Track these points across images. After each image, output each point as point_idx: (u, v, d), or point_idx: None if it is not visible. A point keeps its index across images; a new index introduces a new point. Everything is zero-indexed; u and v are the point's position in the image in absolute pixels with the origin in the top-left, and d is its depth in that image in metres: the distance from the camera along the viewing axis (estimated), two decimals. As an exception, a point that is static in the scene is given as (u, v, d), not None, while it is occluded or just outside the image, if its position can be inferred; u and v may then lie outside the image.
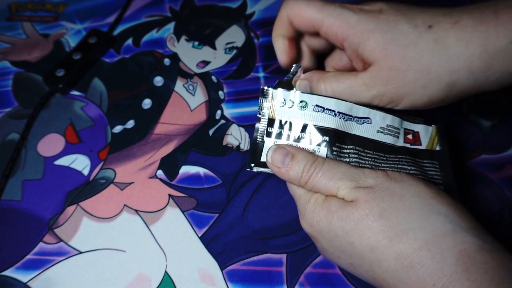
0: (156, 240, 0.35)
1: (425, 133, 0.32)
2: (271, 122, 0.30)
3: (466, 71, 0.26)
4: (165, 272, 0.34)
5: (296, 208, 0.37)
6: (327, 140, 0.29)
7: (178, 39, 0.47)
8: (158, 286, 0.33)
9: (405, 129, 0.32)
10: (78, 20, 0.49)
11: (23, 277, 0.34)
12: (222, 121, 0.41)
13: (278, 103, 0.30)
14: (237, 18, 0.48)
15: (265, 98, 0.30)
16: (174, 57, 0.45)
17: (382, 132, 0.30)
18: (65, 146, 0.40)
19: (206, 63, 0.45)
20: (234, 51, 0.46)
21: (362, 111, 0.30)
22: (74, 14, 0.50)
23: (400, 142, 0.31)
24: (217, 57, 0.45)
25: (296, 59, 0.33)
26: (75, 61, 0.44)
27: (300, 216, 0.29)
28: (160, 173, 0.38)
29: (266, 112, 0.30)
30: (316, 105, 0.29)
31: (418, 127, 0.32)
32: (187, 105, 0.42)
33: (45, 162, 0.39)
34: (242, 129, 0.41)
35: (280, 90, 0.30)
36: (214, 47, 0.46)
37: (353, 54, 0.29)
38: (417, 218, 0.24)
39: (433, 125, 0.33)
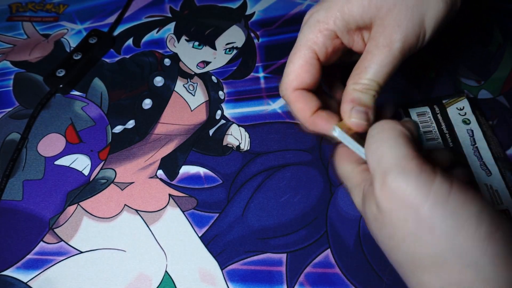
0: (156, 240, 0.35)
1: None
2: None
3: None
4: (165, 271, 0.34)
5: (296, 208, 0.36)
6: None
7: (178, 39, 0.47)
8: (159, 285, 0.33)
9: None
10: (78, 20, 0.49)
11: (23, 276, 0.34)
12: (222, 121, 0.41)
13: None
14: (237, 18, 0.48)
15: None
16: (174, 57, 0.45)
17: None
18: (66, 146, 0.40)
19: (206, 63, 0.45)
20: (234, 51, 0.46)
21: None
22: (75, 15, 0.50)
23: None
24: (217, 57, 0.45)
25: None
26: (75, 61, 0.44)
27: None
28: (160, 173, 0.38)
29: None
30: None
31: None
32: (187, 105, 0.42)
33: (46, 162, 0.39)
34: (242, 129, 0.41)
35: None
36: (214, 47, 0.46)
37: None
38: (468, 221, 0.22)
39: None
